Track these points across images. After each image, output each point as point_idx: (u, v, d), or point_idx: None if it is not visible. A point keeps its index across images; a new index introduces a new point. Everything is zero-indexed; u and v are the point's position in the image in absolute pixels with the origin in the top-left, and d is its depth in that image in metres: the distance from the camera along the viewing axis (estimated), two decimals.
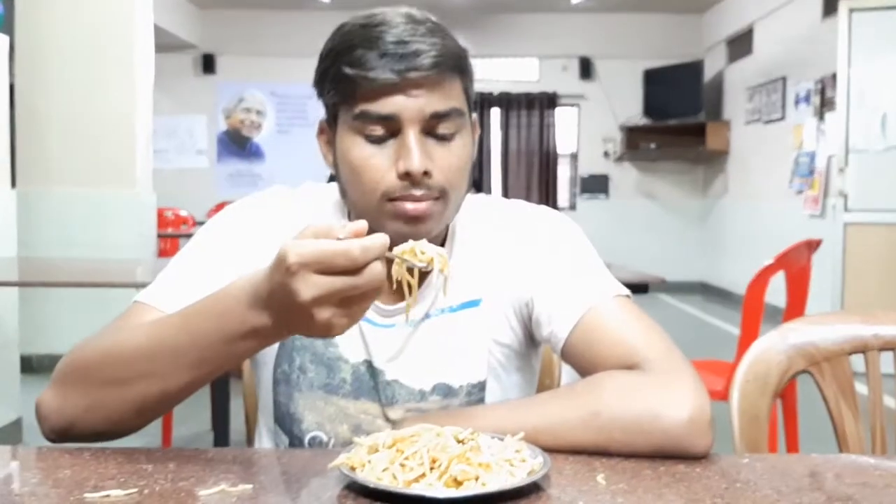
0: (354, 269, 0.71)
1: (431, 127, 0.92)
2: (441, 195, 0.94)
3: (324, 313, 0.72)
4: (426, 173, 0.91)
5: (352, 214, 1.03)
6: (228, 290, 0.80)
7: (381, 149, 0.92)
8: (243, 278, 0.79)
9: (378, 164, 0.92)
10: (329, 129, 0.99)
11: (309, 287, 0.71)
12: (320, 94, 0.97)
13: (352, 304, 0.74)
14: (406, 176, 0.91)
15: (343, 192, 1.00)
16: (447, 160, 0.93)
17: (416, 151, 0.90)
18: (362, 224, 0.74)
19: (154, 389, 0.84)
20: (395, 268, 0.76)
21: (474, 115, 1.01)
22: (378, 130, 0.92)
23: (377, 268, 0.72)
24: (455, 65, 0.93)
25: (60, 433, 0.89)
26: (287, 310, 0.74)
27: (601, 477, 0.79)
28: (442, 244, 1.05)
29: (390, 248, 0.95)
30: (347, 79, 0.90)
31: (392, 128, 0.92)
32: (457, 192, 0.96)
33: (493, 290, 1.03)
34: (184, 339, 0.82)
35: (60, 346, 4.72)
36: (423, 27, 0.92)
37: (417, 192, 0.92)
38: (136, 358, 0.84)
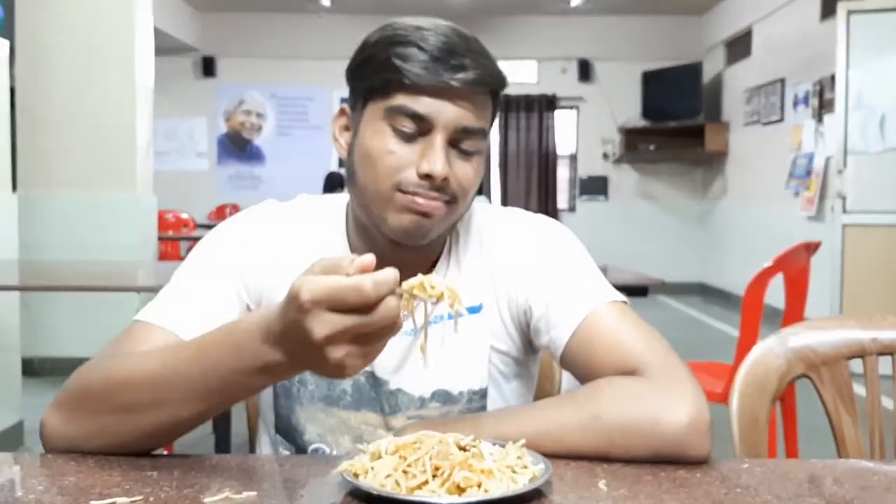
0: (367, 306, 0.70)
1: (457, 139, 0.94)
2: (451, 201, 0.95)
3: (337, 352, 0.71)
4: (444, 179, 0.93)
5: (350, 211, 1.04)
6: (242, 323, 0.79)
7: (406, 145, 0.94)
8: (257, 313, 0.78)
9: (400, 157, 0.94)
10: (350, 114, 1.00)
11: (322, 325, 0.70)
12: (354, 79, 0.98)
13: (367, 342, 0.72)
14: (426, 177, 0.93)
15: (350, 181, 1.00)
16: (464, 174, 0.96)
17: (441, 156, 0.92)
18: (370, 259, 0.72)
19: (164, 418, 0.84)
20: (402, 302, 0.75)
21: (487, 142, 1.03)
22: (408, 127, 0.93)
23: (391, 303, 0.71)
24: (493, 89, 0.96)
25: (63, 452, 0.88)
26: (300, 347, 0.72)
27: (602, 483, 0.79)
28: (438, 256, 1.05)
29: (392, 247, 0.97)
30: (394, 69, 0.92)
31: (422, 128, 0.93)
32: (463, 205, 0.98)
33: (493, 297, 1.04)
34: (196, 370, 0.81)
35: (62, 349, 4.75)
36: (471, 42, 0.95)
37: (432, 193, 0.94)
38: (147, 386, 0.83)
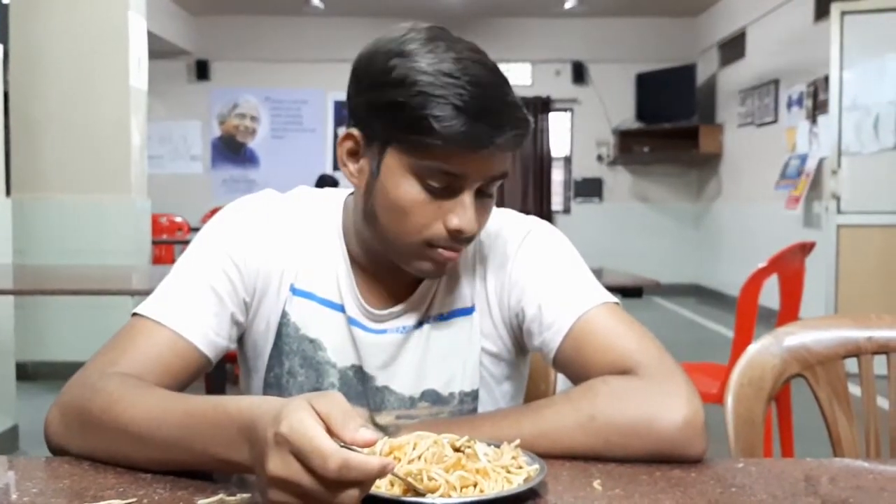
0: (324, 481, 0.64)
1: (485, 185, 0.93)
2: (471, 240, 0.96)
3: (279, 496, 0.66)
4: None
5: (342, 221, 1.04)
6: (230, 407, 0.75)
7: (435, 200, 0.91)
8: (253, 402, 0.73)
9: (429, 212, 0.92)
10: (363, 144, 0.94)
11: (279, 464, 0.65)
12: (371, 112, 0.92)
13: None
14: (458, 233, 0.92)
15: (369, 219, 0.97)
16: (485, 214, 0.96)
17: (472, 212, 0.91)
18: (372, 437, 0.67)
19: (141, 458, 0.82)
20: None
21: None
22: (440, 182, 0.90)
23: (350, 495, 0.65)
24: (526, 134, 0.93)
25: (61, 454, 0.89)
26: (257, 465, 0.68)
27: (597, 483, 0.79)
28: None
29: (381, 257, 0.97)
30: (428, 129, 0.86)
31: (454, 183, 0.91)
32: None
33: (485, 299, 1.04)
34: (175, 434, 0.79)
35: (56, 354, 4.73)
36: (504, 90, 0.91)
37: (458, 245, 0.94)
38: (129, 435, 0.82)
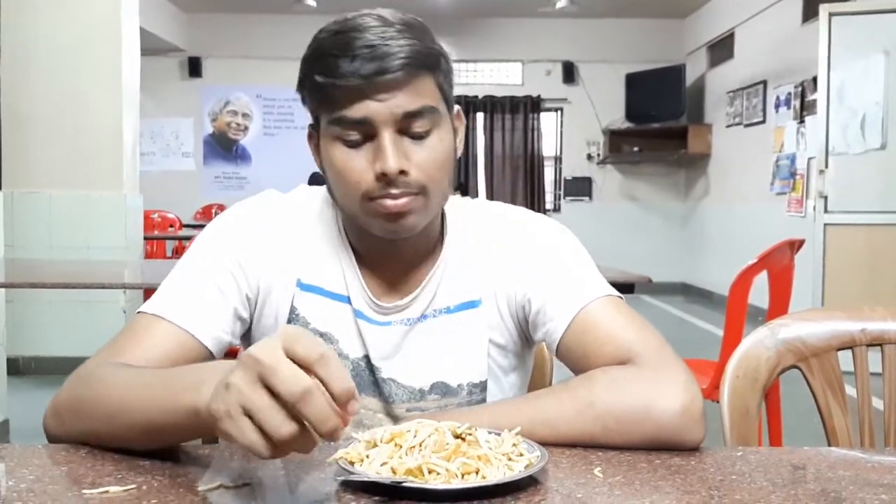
0: (284, 402, 0.64)
1: (406, 126, 0.93)
2: (420, 191, 0.95)
3: (229, 425, 0.65)
4: (402, 172, 0.93)
5: (339, 216, 1.05)
6: (207, 363, 0.77)
7: (360, 152, 0.94)
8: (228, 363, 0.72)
9: (357, 166, 0.94)
10: (315, 134, 1.00)
11: (240, 376, 0.65)
12: (303, 101, 0.99)
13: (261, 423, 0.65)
14: (383, 176, 0.92)
15: (331, 194, 1.02)
16: (424, 158, 0.95)
17: (390, 152, 0.92)
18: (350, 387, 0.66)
19: (120, 429, 0.82)
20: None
21: (457, 108, 1.02)
22: (354, 135, 0.93)
23: (297, 431, 0.64)
24: (425, 63, 0.93)
25: (57, 440, 0.89)
26: (216, 392, 0.68)
27: (598, 470, 0.79)
28: (436, 242, 1.06)
29: (380, 246, 0.98)
30: (321, 86, 0.92)
31: (368, 131, 0.93)
32: (438, 187, 0.97)
33: (491, 292, 1.05)
34: (147, 394, 0.80)
35: (47, 349, 4.73)
36: (392, 29, 0.92)
37: (395, 191, 0.93)
38: (110, 407, 0.83)
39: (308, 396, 0.63)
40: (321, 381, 0.65)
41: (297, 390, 0.63)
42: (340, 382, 0.65)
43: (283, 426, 0.64)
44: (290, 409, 0.64)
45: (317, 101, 0.95)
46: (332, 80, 0.91)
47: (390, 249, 1.02)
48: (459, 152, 1.04)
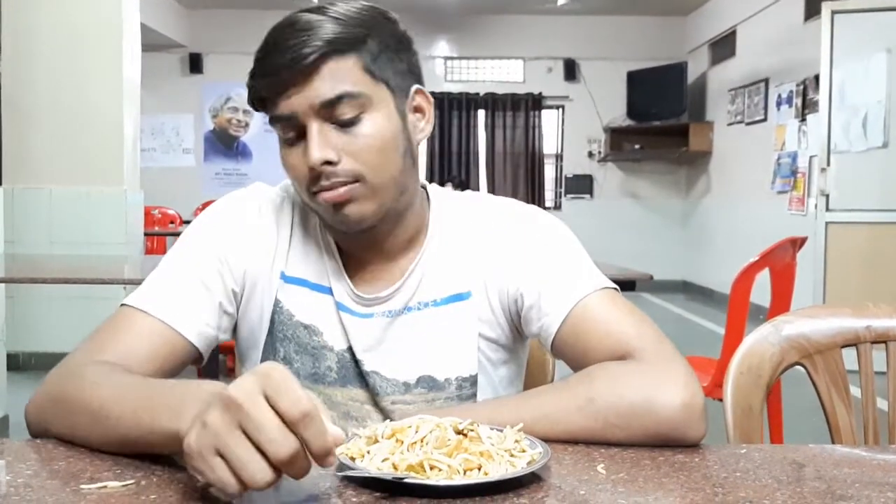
0: (285, 419, 0.63)
1: (330, 115, 0.92)
2: (357, 179, 0.93)
3: (205, 456, 0.64)
4: (329, 162, 0.92)
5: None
6: (192, 383, 0.75)
7: (298, 148, 0.94)
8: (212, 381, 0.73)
9: (296, 163, 0.94)
10: None
11: (242, 387, 0.64)
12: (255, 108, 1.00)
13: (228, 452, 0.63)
14: (310, 170, 0.92)
15: None
16: (354, 144, 0.93)
17: (312, 145, 0.91)
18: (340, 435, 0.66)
19: (96, 436, 0.81)
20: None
21: (416, 87, 0.99)
22: (290, 132, 0.94)
23: (291, 450, 0.63)
24: (342, 47, 0.91)
25: (40, 436, 0.88)
26: (198, 417, 0.66)
27: (601, 467, 0.79)
28: (415, 233, 1.04)
29: (354, 237, 0.98)
30: (252, 90, 0.95)
31: (298, 126, 0.93)
32: (378, 173, 0.94)
33: (482, 285, 1.03)
34: (129, 408, 0.78)
35: (47, 345, 4.73)
36: (324, 18, 0.91)
37: (326, 182, 0.93)
38: (90, 412, 0.81)
39: (294, 459, 0.63)
40: (303, 440, 0.64)
41: (283, 453, 0.63)
42: (322, 444, 0.64)
43: (260, 474, 0.63)
44: (271, 461, 0.63)
45: (258, 106, 0.96)
46: (255, 81, 0.94)
47: (365, 240, 1.01)
48: (425, 134, 1.01)
